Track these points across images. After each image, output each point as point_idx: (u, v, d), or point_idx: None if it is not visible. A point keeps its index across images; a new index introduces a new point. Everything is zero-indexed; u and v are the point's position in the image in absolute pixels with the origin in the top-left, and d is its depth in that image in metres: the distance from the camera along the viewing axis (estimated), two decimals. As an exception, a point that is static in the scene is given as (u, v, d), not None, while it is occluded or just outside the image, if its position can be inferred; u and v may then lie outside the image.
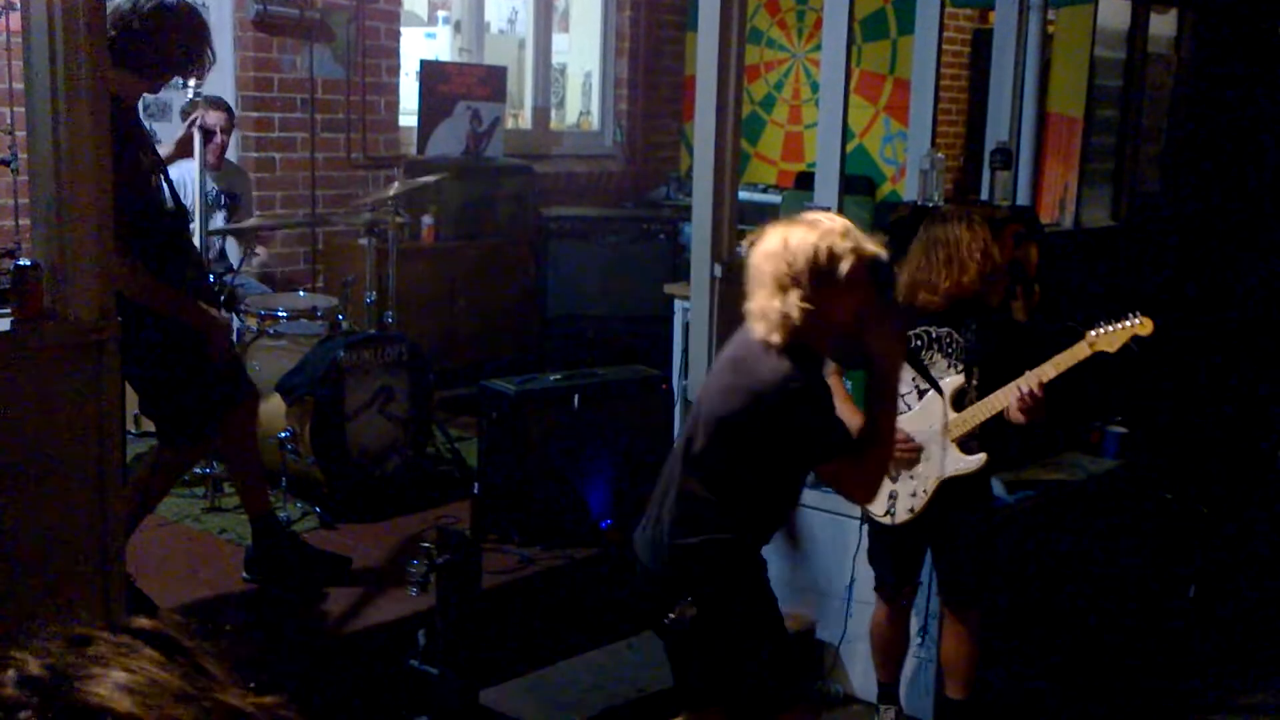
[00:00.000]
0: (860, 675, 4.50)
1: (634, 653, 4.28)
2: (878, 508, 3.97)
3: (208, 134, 5.51)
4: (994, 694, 4.30)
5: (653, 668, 4.20)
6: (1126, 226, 7.41)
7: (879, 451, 2.98)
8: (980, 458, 3.88)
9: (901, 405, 3.89)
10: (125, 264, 3.43)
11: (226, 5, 6.34)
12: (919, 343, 3.88)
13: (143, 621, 0.78)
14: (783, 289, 2.80)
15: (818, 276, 2.78)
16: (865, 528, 4.15)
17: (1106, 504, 5.23)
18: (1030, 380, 3.71)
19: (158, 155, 3.85)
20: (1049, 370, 3.73)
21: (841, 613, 4.54)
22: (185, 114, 5.61)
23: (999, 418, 3.81)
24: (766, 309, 2.83)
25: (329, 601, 3.99)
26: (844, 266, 2.78)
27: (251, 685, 0.81)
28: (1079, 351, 3.73)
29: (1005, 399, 3.76)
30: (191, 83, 4.01)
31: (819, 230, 2.82)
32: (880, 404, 3.00)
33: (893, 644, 4.18)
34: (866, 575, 4.31)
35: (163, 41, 3.60)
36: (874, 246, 2.86)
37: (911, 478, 3.90)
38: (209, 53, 3.74)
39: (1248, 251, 7.74)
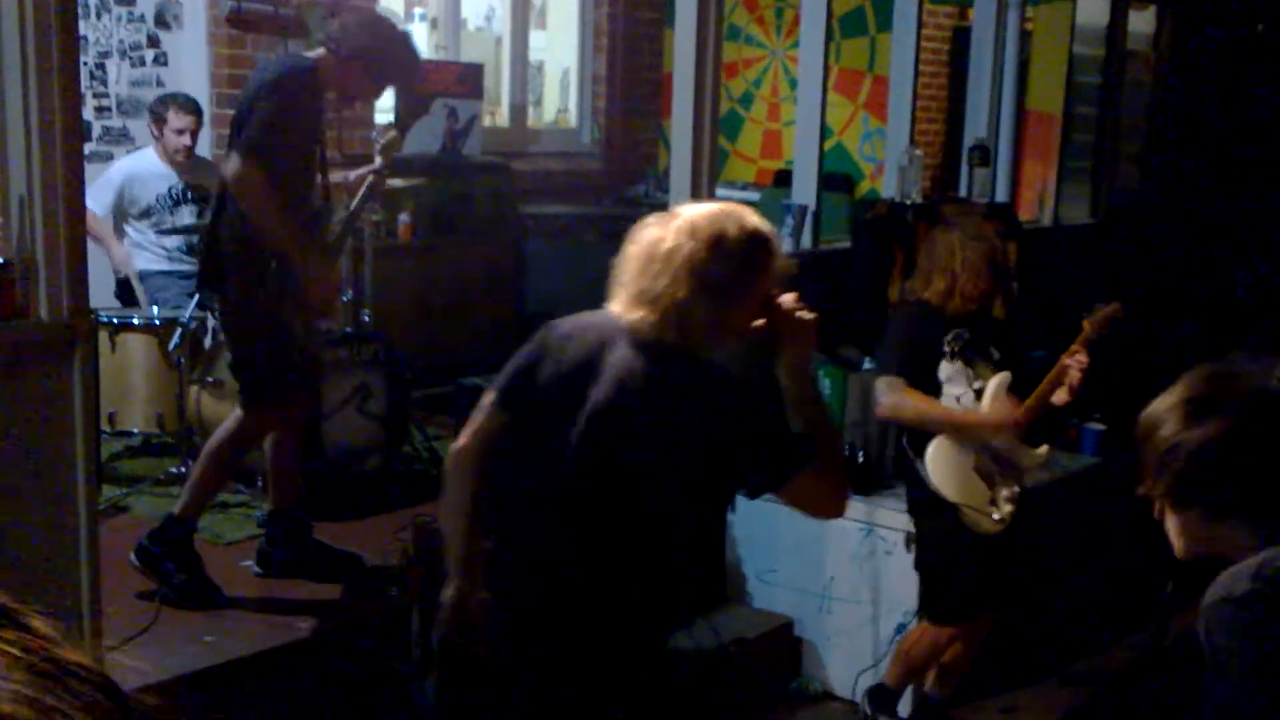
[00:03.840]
0: (839, 671, 4.50)
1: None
2: (991, 518, 3.85)
3: (177, 134, 5.49)
4: (971, 691, 4.31)
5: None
6: (1105, 224, 7.44)
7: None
8: (1045, 448, 3.96)
9: (957, 408, 3.88)
10: (254, 172, 3.66)
11: (200, 1, 6.29)
12: (957, 346, 3.88)
13: None
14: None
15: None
16: (914, 545, 4.10)
17: (1084, 501, 5.24)
18: (1081, 356, 3.75)
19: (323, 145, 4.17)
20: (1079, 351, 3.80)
21: (818, 609, 4.55)
22: (153, 112, 5.59)
23: None
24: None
25: (307, 601, 3.97)
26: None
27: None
28: (1086, 333, 3.82)
29: (1059, 382, 3.79)
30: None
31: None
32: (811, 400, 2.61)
33: (960, 659, 4.08)
34: (844, 573, 4.31)
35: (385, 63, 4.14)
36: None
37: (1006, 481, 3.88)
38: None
39: (1226, 248, 7.78)
